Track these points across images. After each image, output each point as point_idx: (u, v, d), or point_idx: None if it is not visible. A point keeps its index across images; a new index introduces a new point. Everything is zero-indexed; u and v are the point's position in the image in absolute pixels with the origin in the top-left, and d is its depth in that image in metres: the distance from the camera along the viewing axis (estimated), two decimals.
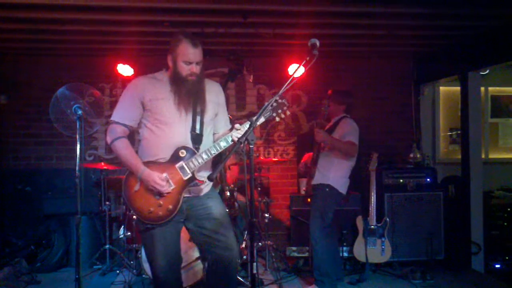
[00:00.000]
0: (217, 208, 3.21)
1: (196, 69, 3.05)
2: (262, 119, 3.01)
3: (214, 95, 3.27)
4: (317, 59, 2.61)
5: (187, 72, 3.04)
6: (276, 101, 3.00)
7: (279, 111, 3.04)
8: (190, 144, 3.08)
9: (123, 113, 3.12)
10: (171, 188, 3.02)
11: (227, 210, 4.86)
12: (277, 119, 3.07)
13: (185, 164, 3.04)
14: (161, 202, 3.03)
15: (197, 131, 3.13)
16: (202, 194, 3.22)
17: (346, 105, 4.91)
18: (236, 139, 2.96)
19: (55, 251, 5.62)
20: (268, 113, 3.02)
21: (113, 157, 6.53)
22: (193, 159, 3.04)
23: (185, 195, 3.09)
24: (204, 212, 3.17)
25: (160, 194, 3.01)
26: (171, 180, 3.02)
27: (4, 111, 6.50)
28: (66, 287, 4.94)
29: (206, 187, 3.23)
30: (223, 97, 3.38)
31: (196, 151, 3.07)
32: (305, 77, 5.35)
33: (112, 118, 3.14)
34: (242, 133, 2.88)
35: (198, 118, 3.14)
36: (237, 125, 3.04)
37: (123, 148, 3.08)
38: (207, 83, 3.26)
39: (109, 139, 3.12)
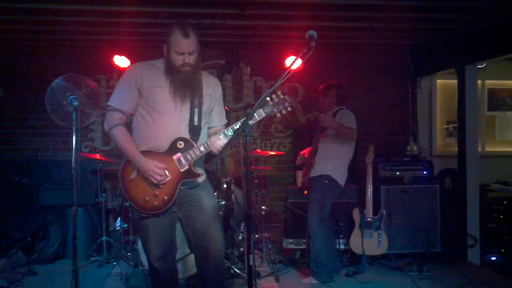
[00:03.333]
0: (207, 200, 3.18)
1: (189, 59, 3.00)
2: (263, 114, 3.02)
3: (211, 89, 3.23)
4: (314, 52, 2.59)
5: (180, 63, 3.00)
6: (277, 96, 3.00)
7: (280, 106, 3.04)
8: (187, 136, 3.06)
9: (120, 99, 3.09)
10: (167, 179, 3.00)
11: (224, 202, 4.87)
12: (278, 115, 3.07)
13: (183, 156, 3.01)
14: (157, 193, 3.01)
15: (196, 123, 3.10)
16: (196, 185, 3.18)
17: (336, 98, 4.92)
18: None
19: (52, 242, 5.61)
20: (269, 109, 3.02)
21: (109, 149, 6.53)
22: (191, 151, 3.01)
23: (181, 187, 3.07)
24: (195, 202, 3.14)
25: (155, 185, 3.00)
26: (168, 171, 2.99)
27: (0, 102, 6.47)
28: (63, 279, 4.91)
29: (200, 178, 3.19)
30: (220, 92, 3.34)
31: (194, 143, 3.04)
32: (302, 69, 5.33)
33: (109, 103, 3.10)
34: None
35: (196, 110, 3.11)
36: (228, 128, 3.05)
37: (120, 136, 3.04)
38: (205, 76, 3.23)
39: (106, 127, 3.09)
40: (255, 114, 2.96)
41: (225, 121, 3.38)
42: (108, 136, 3.19)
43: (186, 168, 3.02)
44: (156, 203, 3.02)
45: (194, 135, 3.09)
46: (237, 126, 2.98)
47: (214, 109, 3.28)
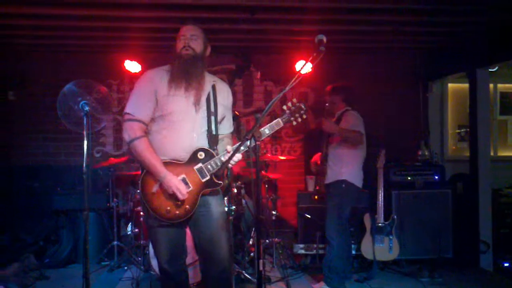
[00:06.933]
0: (216, 205, 3.16)
1: (190, 41, 3.04)
2: (281, 124, 3.03)
3: (222, 97, 3.21)
4: (324, 56, 2.59)
5: (181, 46, 3.05)
6: (293, 104, 3.01)
7: (296, 115, 3.03)
8: (206, 146, 3.06)
9: (139, 107, 3.04)
10: (189, 189, 2.99)
11: (234, 207, 4.86)
12: (294, 123, 3.05)
13: (204, 167, 3.00)
14: (179, 202, 3.00)
15: (213, 132, 3.11)
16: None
17: (345, 99, 4.87)
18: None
19: (64, 247, 5.65)
20: (286, 118, 3.03)
21: (120, 153, 6.57)
22: (212, 162, 3.00)
23: (203, 196, 3.06)
24: (204, 208, 3.11)
25: (177, 199, 2.99)
26: (189, 181, 2.99)
27: (12, 107, 6.54)
28: (75, 283, 4.95)
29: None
30: (231, 99, 3.33)
31: (214, 154, 3.04)
32: (312, 73, 5.33)
33: (127, 111, 3.05)
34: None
35: (212, 119, 3.10)
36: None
37: (143, 149, 2.98)
38: (217, 83, 3.22)
39: (127, 138, 3.03)
40: (274, 124, 3.00)
41: (232, 129, 3.36)
42: (129, 148, 3.09)
43: (207, 178, 3.02)
44: (178, 212, 3.01)
45: (213, 145, 3.09)
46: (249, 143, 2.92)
47: (224, 118, 3.27)
